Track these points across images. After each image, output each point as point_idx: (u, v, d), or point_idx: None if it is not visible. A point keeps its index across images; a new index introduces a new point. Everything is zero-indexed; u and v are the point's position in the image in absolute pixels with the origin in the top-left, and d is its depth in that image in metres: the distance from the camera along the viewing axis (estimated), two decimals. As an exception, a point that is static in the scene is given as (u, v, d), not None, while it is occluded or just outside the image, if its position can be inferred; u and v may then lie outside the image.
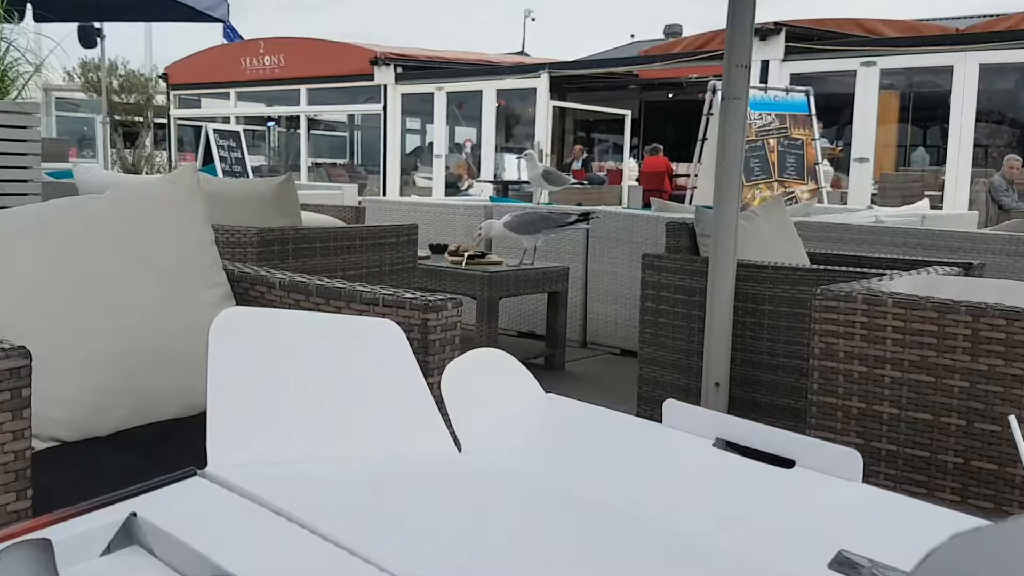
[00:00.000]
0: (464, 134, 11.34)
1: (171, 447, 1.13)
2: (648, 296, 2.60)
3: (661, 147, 10.83)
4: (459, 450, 0.55)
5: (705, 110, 6.93)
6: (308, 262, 2.48)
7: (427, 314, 1.23)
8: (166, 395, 1.21)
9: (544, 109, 8.96)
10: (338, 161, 13.31)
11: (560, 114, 13.40)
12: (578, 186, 11.02)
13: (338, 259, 2.56)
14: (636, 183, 10.46)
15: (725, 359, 2.33)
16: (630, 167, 10.35)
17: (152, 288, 1.25)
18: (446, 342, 1.24)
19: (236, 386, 0.52)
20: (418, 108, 11.52)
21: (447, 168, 10.05)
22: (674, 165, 11.84)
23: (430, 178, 10.04)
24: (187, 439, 1.14)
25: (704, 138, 7.01)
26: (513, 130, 12.13)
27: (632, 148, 12.24)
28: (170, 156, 11.76)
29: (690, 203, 7.00)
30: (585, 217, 3.38)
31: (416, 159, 11.56)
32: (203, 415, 0.49)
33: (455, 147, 11.12)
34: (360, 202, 5.19)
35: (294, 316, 0.56)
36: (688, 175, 9.70)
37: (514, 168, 8.73)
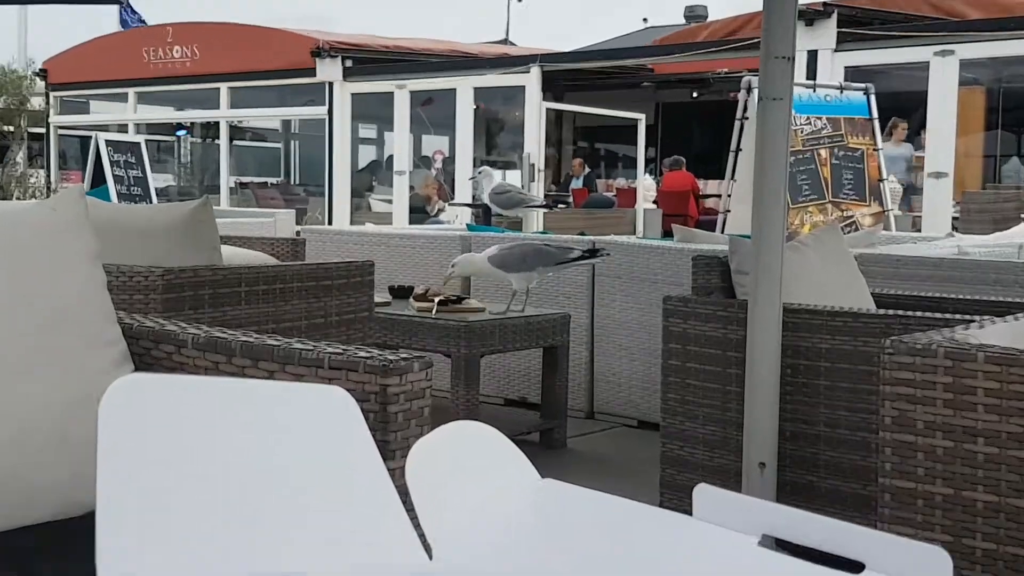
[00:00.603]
0: (433, 144, 11.49)
1: (47, 562, 1.09)
2: (672, 352, 2.61)
3: (684, 160, 11.02)
4: (429, 557, 0.55)
5: (738, 114, 7.07)
6: (230, 312, 2.47)
7: (387, 378, 1.23)
8: (41, 491, 1.14)
9: (535, 112, 9.11)
10: (270, 180, 13.41)
11: (556, 119, 13.64)
12: (572, 210, 11.18)
13: (270, 308, 2.56)
14: (654, 206, 10.60)
15: (771, 432, 2.34)
16: (646, 186, 10.50)
17: (22, 348, 1.18)
18: (412, 415, 1.24)
19: (134, 478, 0.51)
20: (374, 112, 11.68)
21: (411, 188, 10.15)
22: (701, 183, 12.05)
23: (390, 201, 10.12)
24: (69, 549, 1.11)
25: (738, 149, 7.14)
26: (496, 139, 12.31)
27: (648, 162, 12.44)
28: (49, 175, 11.72)
29: (722, 231, 7.09)
30: (592, 251, 3.41)
31: (371, 177, 11.67)
32: (91, 516, 0.49)
33: (422, 161, 11.25)
34: (299, 232, 5.23)
35: (211, 385, 0.56)
36: (719, 195, 9.86)
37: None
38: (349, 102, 9.93)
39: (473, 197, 9.26)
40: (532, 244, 3.43)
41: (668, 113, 14.60)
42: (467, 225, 5.30)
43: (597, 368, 3.96)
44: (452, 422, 0.60)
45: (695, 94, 13.25)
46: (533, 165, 9.02)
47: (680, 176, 10.91)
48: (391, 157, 10.35)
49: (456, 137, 9.56)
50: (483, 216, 8.84)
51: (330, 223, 9.58)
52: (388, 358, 1.26)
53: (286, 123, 13.63)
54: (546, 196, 10.81)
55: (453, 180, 9.84)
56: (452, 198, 9.72)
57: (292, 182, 13.74)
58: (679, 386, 2.61)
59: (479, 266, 3.37)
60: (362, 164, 11.84)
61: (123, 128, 11.50)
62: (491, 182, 4.71)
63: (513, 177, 8.83)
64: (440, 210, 9.98)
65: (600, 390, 3.95)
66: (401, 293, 3.72)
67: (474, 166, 9.83)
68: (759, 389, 2.33)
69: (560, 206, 8.98)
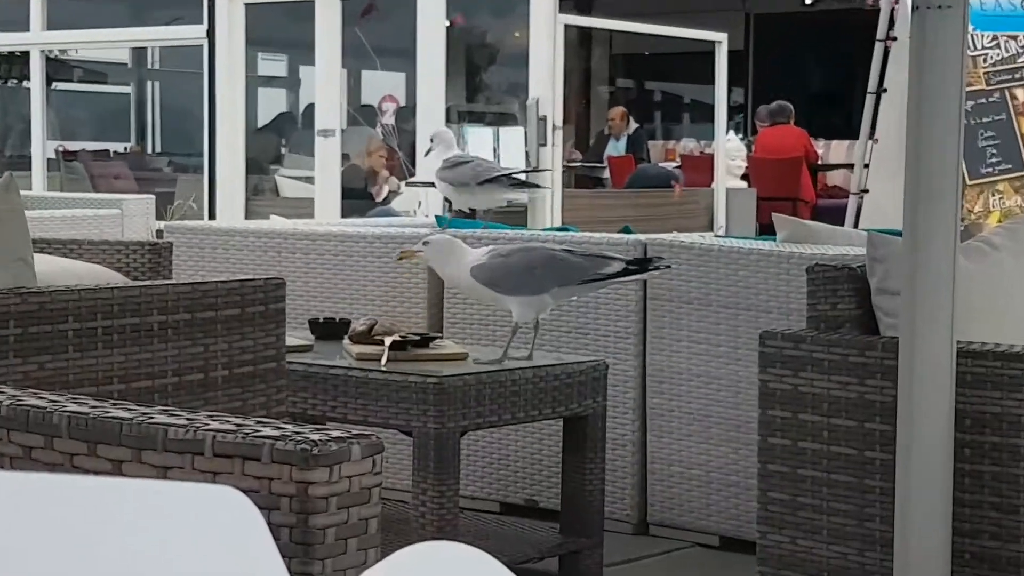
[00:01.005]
0: (380, 86, 11.54)
1: None
2: (774, 423, 2.62)
3: (792, 109, 11.09)
4: None
5: (881, 31, 7.10)
6: (51, 364, 2.48)
7: (309, 471, 1.24)
8: None
9: (546, 32, 9.15)
10: (113, 147, 13.45)
11: (581, 41, 13.70)
12: (609, 191, 11.19)
13: (115, 356, 2.56)
14: (743, 183, 10.63)
15: (940, 556, 2.34)
16: (730, 150, 10.54)
17: None
18: (350, 531, 1.25)
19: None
20: (281, 33, 11.73)
21: (346, 158, 10.17)
22: (819, 145, 12.12)
23: (311, 179, 10.14)
24: None
25: (880, 90, 7.16)
26: (483, 77, 12.35)
27: (734, 111, 12.52)
28: None
29: (855, 225, 7.11)
30: (642, 261, 3.43)
31: (279, 141, 11.71)
32: None
33: (362, 114, 11.28)
34: (161, 232, 5.24)
35: (20, 484, 0.57)
36: (848, 166, 9.89)
37: (485, 156, 8.85)
38: (241, 17, 9.98)
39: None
40: (543, 249, 3.44)
41: (765, 32, 14.69)
42: (436, 218, 5.31)
43: (652, 452, 3.96)
44: (418, 543, 0.60)
45: (808, 0, 13.35)
46: (544, 119, 9.04)
47: (786, 135, 10.96)
48: (311, 108, 10.38)
49: (418, 74, 9.58)
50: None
51: (212, 216, 9.59)
52: (309, 438, 1.27)
53: (138, 54, 13.68)
54: (567, 168, 10.87)
55: (413, 144, 9.87)
56: (411, 174, 9.75)
57: (150, 150, 13.77)
58: (787, 481, 2.61)
59: (463, 281, 3.38)
60: (264, 120, 11.86)
61: None
62: (445, 145, 4.74)
63: (511, 139, 8.86)
64: (392, 192, 10.00)
65: (657, 488, 3.95)
66: (330, 331, 3.74)
67: (448, 120, 9.86)
68: (920, 484, 2.33)
69: (594, 185, 8.98)
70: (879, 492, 2.53)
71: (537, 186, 5.77)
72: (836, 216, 7.89)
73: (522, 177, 5.07)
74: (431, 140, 4.86)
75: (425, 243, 3.40)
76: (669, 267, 3.49)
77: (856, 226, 6.78)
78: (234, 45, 9.98)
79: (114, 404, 1.42)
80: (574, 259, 3.35)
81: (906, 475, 2.35)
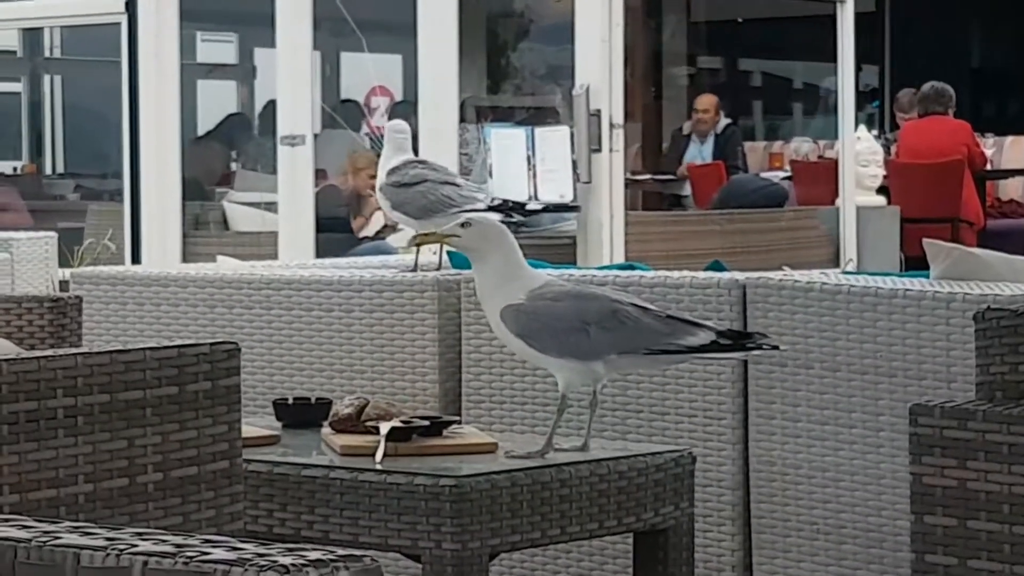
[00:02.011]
0: (367, 76, 11.59)
1: None
2: (933, 534, 2.61)
3: (950, 92, 11.06)
4: None
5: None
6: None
7: (277, 608, 1.24)
8: None
9: (598, -5, 9.19)
10: (-2, 166, 13.55)
11: (648, 5, 13.74)
12: (690, 213, 11.10)
13: (4, 454, 2.58)
14: (880, 199, 10.60)
15: None
16: (862, 152, 10.53)
17: None
18: None
19: None
20: (228, 5, 11.78)
21: (321, 174, 10.21)
22: (987, 143, 12.08)
23: (272, 204, 10.18)
24: None
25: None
26: (511, 60, 12.39)
27: (864, 97, 12.51)
28: None
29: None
30: (740, 339, 3.43)
31: (227, 152, 11.77)
32: None
33: (342, 112, 11.32)
34: (66, 282, 5.25)
35: None
36: (1031, 170, 9.81)
37: (516, 168, 8.87)
38: (175, -16, 10.06)
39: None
40: (605, 300, 3.44)
41: (906, -12, 14.69)
42: (449, 255, 5.33)
43: (761, 578, 3.94)
44: None
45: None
46: (598, 115, 9.07)
47: (941, 130, 10.94)
48: (271, 107, 10.44)
49: (420, 56, 9.64)
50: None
51: (136, 260, 9.64)
52: (278, 562, 1.27)
53: (31, 37, 13.78)
54: (631, 182, 10.86)
55: (416, 153, 9.90)
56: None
57: (48, 170, 13.85)
58: (954, 614, 2.59)
59: (488, 306, 3.41)
60: (207, 125, 11.92)
61: None
62: (396, 152, 4.80)
63: (552, 143, 8.88)
64: (389, 225, 10.02)
65: (770, 629, 3.93)
66: (303, 416, 3.75)
67: (464, 119, 9.89)
68: None
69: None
70: (1085, 630, 2.51)
71: (511, 210, 5.52)
72: (1013, 242, 7.88)
73: (483, 201, 5.03)
74: (392, 124, 4.94)
75: (465, 224, 3.40)
76: (776, 348, 3.49)
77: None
78: (164, 22, 10.05)
79: (5, 520, 1.42)
80: (645, 320, 3.36)
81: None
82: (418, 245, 3.63)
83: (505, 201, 5.31)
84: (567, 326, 3.35)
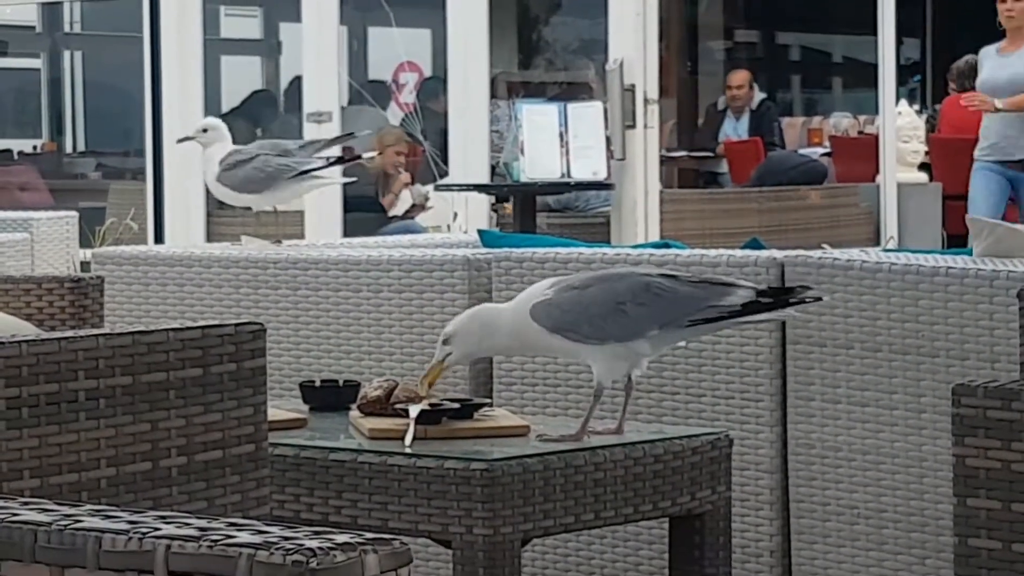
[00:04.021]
0: (395, 53, 11.59)
1: None
2: (977, 517, 2.60)
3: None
4: None
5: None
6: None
7: (304, 591, 1.24)
8: None
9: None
10: (17, 145, 13.57)
11: (680, -21, 13.72)
12: (728, 191, 11.07)
13: (25, 437, 2.58)
14: (923, 175, 10.56)
15: None
16: (903, 127, 10.50)
17: None
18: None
19: None
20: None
21: (348, 152, 10.21)
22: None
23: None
24: None
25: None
26: (542, 30, 12.36)
27: (906, 71, 12.45)
28: None
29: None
30: (782, 294, 3.41)
31: (252, 129, 11.78)
32: None
33: (371, 91, 11.33)
34: (87, 262, 5.26)
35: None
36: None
37: (548, 145, 8.86)
38: (198, -43, 10.07)
39: (494, 169, 9.32)
40: (633, 277, 3.43)
41: (947, -43, 14.64)
42: (479, 233, 5.33)
43: (799, 563, 3.95)
44: None
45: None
46: (632, 90, 9.07)
47: (982, 104, 10.88)
48: (297, 83, 10.46)
49: (449, 31, 9.65)
50: (518, 212, 8.86)
51: (159, 239, 9.67)
52: (305, 546, 1.27)
53: (51, 12, 13.81)
54: (666, 159, 10.83)
55: (445, 131, 9.92)
56: (443, 174, 9.79)
57: (69, 148, 13.89)
58: (999, 600, 2.59)
59: (513, 334, 3.39)
60: (232, 102, 11.94)
61: None
62: (222, 146, 4.94)
63: (586, 118, 8.87)
64: (418, 204, 10.03)
65: (809, 616, 3.93)
66: (331, 398, 3.76)
67: (495, 95, 9.87)
68: None
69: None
70: None
71: (349, 160, 5.75)
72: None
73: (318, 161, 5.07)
74: (203, 131, 5.04)
75: (445, 341, 3.39)
76: (820, 299, 3.49)
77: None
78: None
79: (25, 504, 1.43)
80: (681, 288, 3.35)
81: None
82: (431, 385, 3.54)
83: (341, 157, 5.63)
84: (603, 310, 3.34)
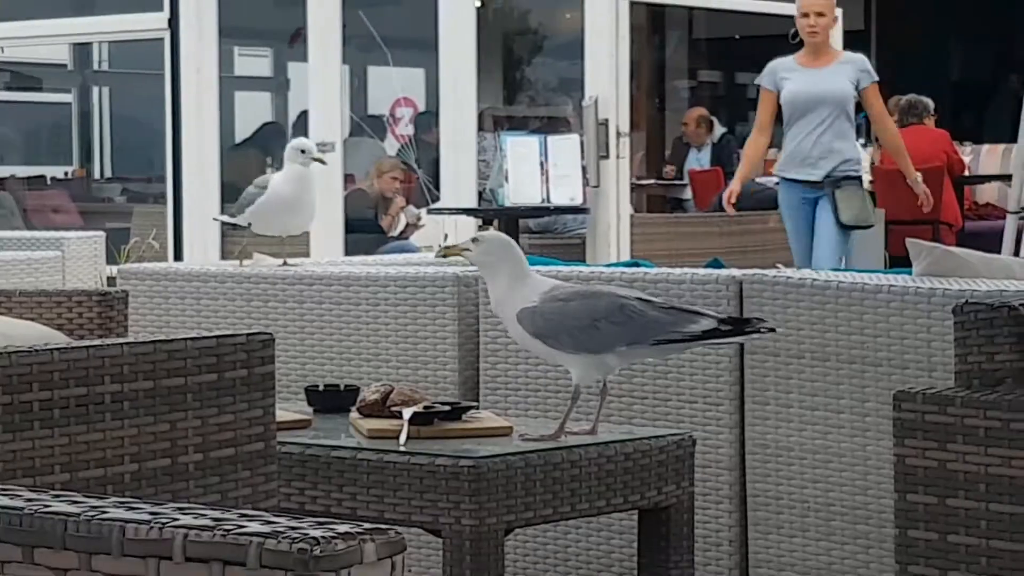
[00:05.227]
0: (392, 88, 11.59)
1: None
2: (915, 511, 2.60)
3: (929, 104, 11.04)
4: None
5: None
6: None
7: (310, 574, 1.24)
8: None
9: (606, 11, 9.19)
10: (50, 171, 13.55)
11: (652, 22, 13.73)
12: (695, 216, 11.10)
13: (56, 436, 2.58)
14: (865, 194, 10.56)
15: None
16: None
17: None
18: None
19: None
20: (263, 23, 11.79)
21: (350, 179, 10.22)
22: (965, 151, 12.05)
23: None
24: None
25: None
26: (526, 71, 12.37)
27: (855, 107, 12.48)
28: None
29: (1015, 251, 7.06)
30: (740, 324, 3.43)
31: (263, 158, 11.77)
32: None
33: (369, 124, 11.33)
34: (113, 278, 5.26)
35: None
36: (1003, 176, 9.80)
37: (530, 173, 8.86)
38: (213, 1, 10.07)
39: (481, 194, 9.31)
40: (612, 297, 3.44)
41: (892, 6, 14.68)
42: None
43: (755, 552, 3.94)
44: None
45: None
46: (606, 124, 9.07)
47: (922, 138, 10.90)
48: (303, 117, 10.45)
49: (441, 70, 9.64)
50: (506, 232, 8.85)
51: (178, 257, 9.65)
52: (309, 535, 1.27)
53: (81, 52, 13.81)
54: (636, 186, 10.84)
55: (436, 160, 9.92)
56: (434, 199, 9.78)
57: (97, 174, 13.87)
58: (935, 586, 2.58)
59: (503, 311, 3.41)
60: (244, 133, 11.93)
61: None
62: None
63: (564, 150, 8.88)
64: (411, 224, 10.03)
65: (764, 599, 3.92)
66: (333, 401, 3.75)
67: (482, 127, 9.88)
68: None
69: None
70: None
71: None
72: (989, 242, 7.86)
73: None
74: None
75: (475, 240, 3.41)
76: (773, 331, 3.50)
77: (1017, 254, 6.75)
78: (204, 37, 10.06)
79: (56, 496, 1.42)
80: (651, 312, 3.36)
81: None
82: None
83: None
84: (580, 324, 3.35)
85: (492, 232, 3.51)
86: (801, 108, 7.30)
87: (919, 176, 7.46)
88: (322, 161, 5.19)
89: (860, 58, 7.60)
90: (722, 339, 3.43)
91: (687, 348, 3.59)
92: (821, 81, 7.31)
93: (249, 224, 4.84)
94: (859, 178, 7.36)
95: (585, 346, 3.36)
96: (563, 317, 3.36)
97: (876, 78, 7.42)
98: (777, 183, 8.42)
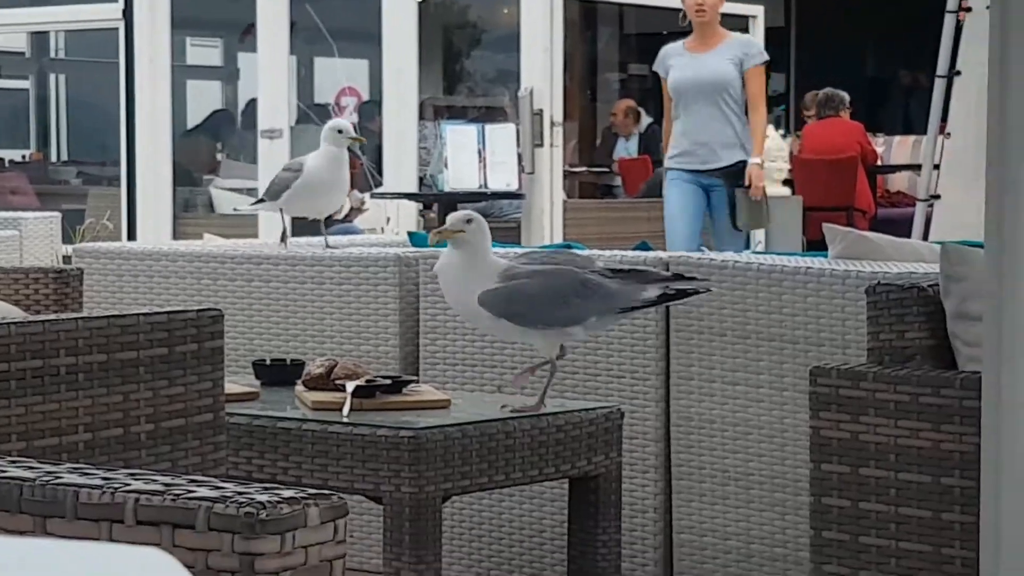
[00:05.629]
0: (337, 78, 11.55)
1: None
2: (829, 480, 2.61)
3: (846, 99, 11.11)
4: None
5: (950, 3, 7.13)
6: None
7: (255, 540, 1.24)
8: None
9: (541, 7, 9.18)
10: (8, 155, 13.44)
11: (585, 20, 13.75)
12: (622, 201, 11.16)
13: (12, 406, 2.56)
14: (786, 190, 10.62)
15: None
16: (770, 149, 10.54)
17: None
18: (305, 612, 1.24)
19: None
20: (214, 14, 11.72)
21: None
22: (878, 142, 12.14)
23: (253, 190, 10.15)
24: None
25: (952, 73, 7.18)
26: (465, 64, 12.35)
27: (773, 101, 12.52)
28: None
29: (924, 236, 7.11)
30: (672, 287, 3.44)
31: (213, 144, 11.73)
32: None
33: (315, 111, 11.29)
34: (68, 256, 5.22)
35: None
36: (915, 167, 9.89)
37: (468, 160, 8.86)
38: (167, -6, 10.00)
39: (421, 180, 9.30)
40: (571, 273, 3.41)
41: (811, 4, 14.75)
42: (409, 234, 5.32)
43: (679, 519, 3.96)
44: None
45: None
46: (541, 114, 9.07)
47: (837, 130, 10.98)
48: (252, 104, 10.40)
49: (384, 61, 9.62)
50: (442, 217, 8.84)
51: (131, 237, 9.59)
52: (255, 499, 1.26)
53: (39, 40, 13.69)
54: (569, 173, 10.86)
55: (379, 147, 9.89)
56: (377, 184, 9.76)
57: (54, 158, 13.77)
58: (846, 552, 2.61)
59: (464, 300, 3.38)
60: (195, 119, 11.87)
61: None
62: None
63: (501, 138, 8.88)
64: (356, 208, 9.99)
65: (686, 564, 3.95)
66: (279, 375, 3.74)
67: (423, 116, 9.87)
68: (1011, 553, 2.33)
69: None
70: (960, 563, 2.52)
71: None
72: (900, 228, 7.90)
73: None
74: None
75: (470, 221, 3.37)
76: (709, 290, 3.52)
77: (926, 239, 6.79)
78: (156, 28, 9.99)
79: (12, 462, 1.41)
80: (611, 285, 3.37)
81: (993, 542, 2.34)
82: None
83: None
84: (548, 300, 3.35)
85: (473, 211, 3.49)
86: (684, 95, 6.82)
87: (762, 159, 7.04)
88: (361, 140, 5.08)
89: (747, 39, 7.16)
90: (671, 301, 3.46)
91: (644, 312, 3.63)
92: (703, 67, 6.87)
93: (281, 209, 4.76)
94: (745, 162, 6.80)
95: (556, 321, 3.37)
96: (529, 296, 3.36)
97: (764, 59, 6.97)
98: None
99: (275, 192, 4.71)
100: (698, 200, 6.86)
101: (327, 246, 4.61)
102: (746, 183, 6.79)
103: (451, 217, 3.42)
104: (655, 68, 7.20)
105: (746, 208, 6.82)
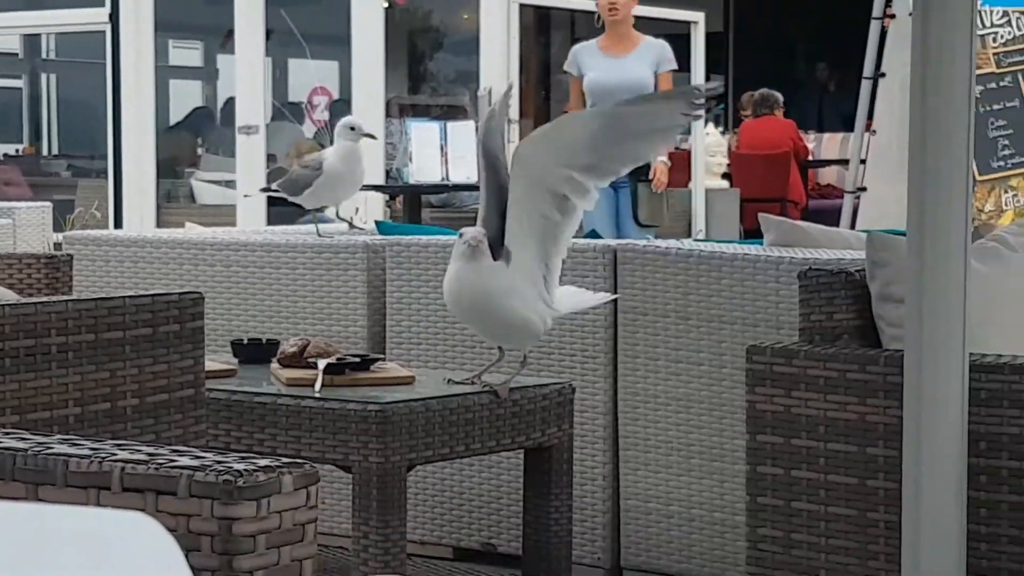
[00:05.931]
0: (310, 78, 11.51)
1: None
2: (763, 449, 2.62)
3: (780, 98, 11.15)
4: None
5: (877, 8, 7.15)
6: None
7: (233, 506, 1.23)
8: None
9: (499, 13, 9.17)
10: (2, 149, 13.35)
11: (539, 26, 13.74)
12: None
13: (7, 382, 2.55)
14: (724, 183, 10.66)
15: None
16: (709, 145, 10.59)
17: None
18: (281, 573, 1.24)
19: None
20: (195, 18, 11.66)
21: (271, 160, 10.15)
22: (809, 138, 12.19)
23: (231, 182, 10.12)
24: None
25: (877, 75, 7.21)
26: (428, 65, 12.33)
27: (713, 101, 12.57)
28: None
29: (852, 226, 7.14)
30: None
31: (194, 139, 11.68)
32: None
33: (289, 109, 11.25)
34: (59, 243, 5.20)
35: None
36: (843, 161, 9.94)
37: (432, 155, 8.85)
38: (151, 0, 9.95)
39: (388, 173, 9.28)
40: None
41: (747, 11, 14.78)
42: (376, 223, 5.31)
43: (626, 486, 3.96)
44: None
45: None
46: (501, 111, 9.04)
47: (772, 127, 11.02)
48: (231, 102, 10.35)
49: (353, 63, 9.59)
50: (407, 207, 8.84)
51: (118, 226, 9.55)
52: (233, 467, 1.26)
53: (31, 41, 13.61)
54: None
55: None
56: (348, 176, 9.73)
57: (45, 152, 13.69)
58: (779, 516, 2.61)
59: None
60: (177, 116, 11.81)
61: None
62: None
63: (461, 135, 8.87)
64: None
65: (632, 528, 3.96)
66: (256, 353, 3.74)
67: (389, 115, 9.85)
68: (930, 517, 2.34)
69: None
70: (884, 526, 2.54)
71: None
72: (829, 218, 7.94)
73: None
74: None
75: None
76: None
77: (853, 227, 6.82)
78: (141, 31, 9.94)
79: (6, 434, 1.41)
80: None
81: (914, 507, 2.36)
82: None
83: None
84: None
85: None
86: (604, 98, 6.46)
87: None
88: (372, 136, 5.05)
89: (661, 44, 6.93)
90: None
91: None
92: (624, 71, 6.66)
93: (302, 202, 4.74)
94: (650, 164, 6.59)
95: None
96: None
97: (674, 66, 6.84)
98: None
99: (298, 189, 4.68)
100: (609, 199, 6.65)
101: (319, 235, 4.59)
102: (650, 176, 6.73)
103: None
104: (567, 67, 7.03)
105: (647, 201, 6.77)
